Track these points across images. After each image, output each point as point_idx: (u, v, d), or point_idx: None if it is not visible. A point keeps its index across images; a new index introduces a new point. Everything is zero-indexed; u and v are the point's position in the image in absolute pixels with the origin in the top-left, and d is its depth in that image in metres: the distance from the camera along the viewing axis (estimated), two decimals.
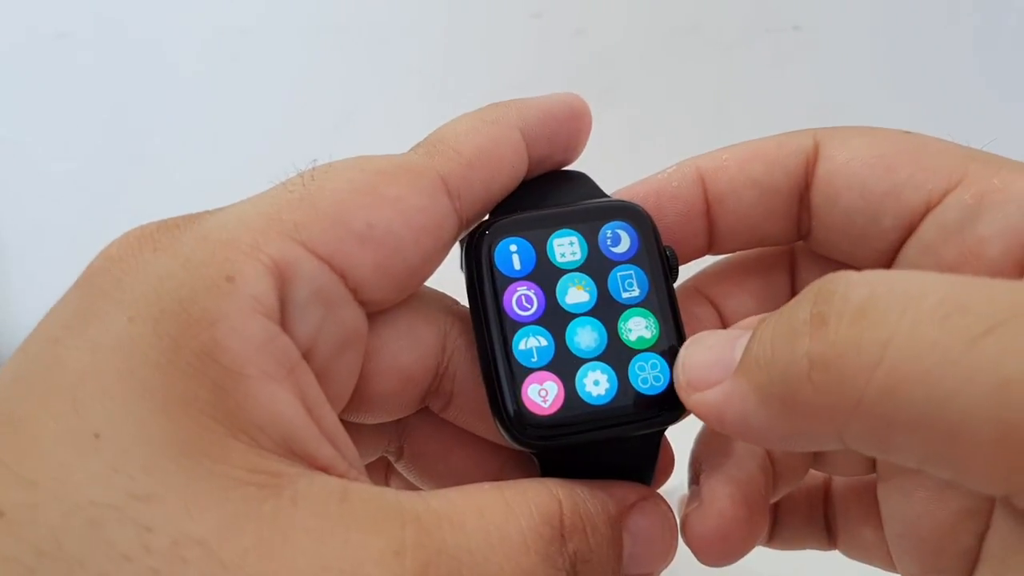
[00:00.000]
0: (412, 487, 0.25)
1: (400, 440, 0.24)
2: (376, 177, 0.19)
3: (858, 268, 0.22)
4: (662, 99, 0.61)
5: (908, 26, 0.59)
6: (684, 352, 0.19)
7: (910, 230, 0.21)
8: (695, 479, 0.22)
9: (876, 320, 0.14)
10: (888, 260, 0.22)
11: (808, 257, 0.24)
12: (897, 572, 0.23)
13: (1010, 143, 0.63)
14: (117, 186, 0.65)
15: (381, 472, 0.26)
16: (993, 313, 0.14)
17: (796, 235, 0.23)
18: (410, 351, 0.21)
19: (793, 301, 0.17)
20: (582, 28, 0.60)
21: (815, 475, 0.26)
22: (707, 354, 0.18)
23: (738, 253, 0.25)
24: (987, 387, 0.13)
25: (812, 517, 0.26)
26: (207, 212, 0.19)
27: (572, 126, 0.23)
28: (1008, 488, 0.14)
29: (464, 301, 0.22)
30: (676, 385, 0.19)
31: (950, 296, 0.14)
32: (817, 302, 0.16)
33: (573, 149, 0.23)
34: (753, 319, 0.18)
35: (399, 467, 0.24)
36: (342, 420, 0.19)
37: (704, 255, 0.24)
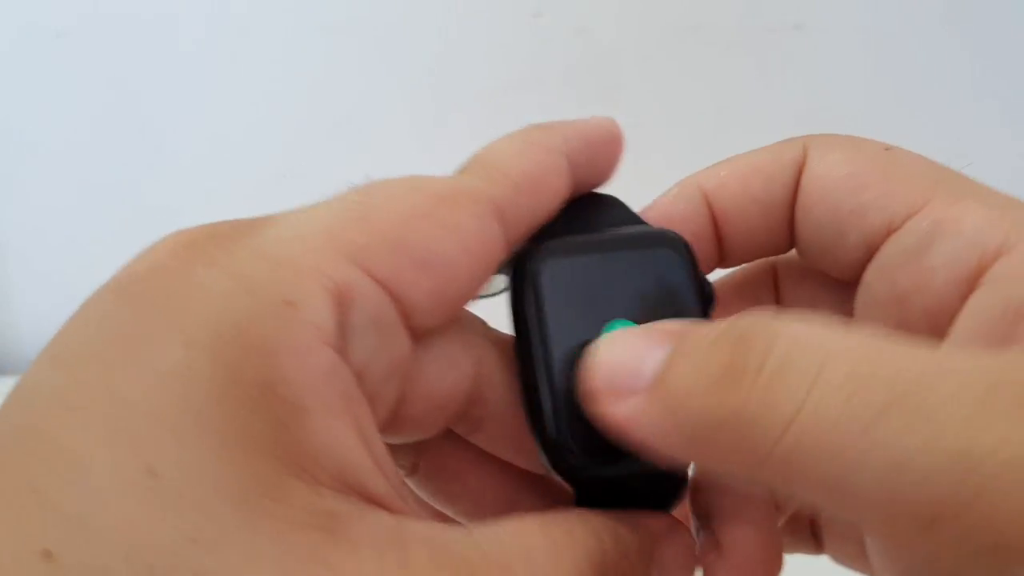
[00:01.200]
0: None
1: (416, 456, 0.24)
2: (435, 201, 0.19)
3: (833, 281, 0.23)
4: (663, 99, 0.61)
5: (909, 26, 0.59)
6: (597, 351, 0.19)
7: (873, 250, 0.21)
8: (704, 524, 0.22)
9: (788, 387, 0.15)
10: (855, 275, 0.22)
11: (790, 273, 0.25)
12: None
13: (1011, 143, 0.63)
14: (117, 185, 0.65)
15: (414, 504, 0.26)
16: (893, 387, 0.14)
17: (791, 246, 0.23)
18: (445, 377, 0.21)
19: (714, 336, 0.17)
20: (583, 28, 0.60)
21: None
22: (620, 357, 0.18)
23: (722, 276, 0.25)
24: (880, 467, 0.14)
25: (797, 525, 0.26)
26: (260, 222, 0.18)
27: (610, 150, 0.23)
28: (907, 552, 0.15)
29: (497, 325, 0.22)
30: (581, 384, 0.19)
31: (857, 370, 0.15)
32: (736, 352, 0.16)
33: (608, 173, 0.23)
34: (669, 324, 0.19)
35: (411, 482, 0.24)
36: None
37: (714, 271, 0.24)
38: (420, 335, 0.20)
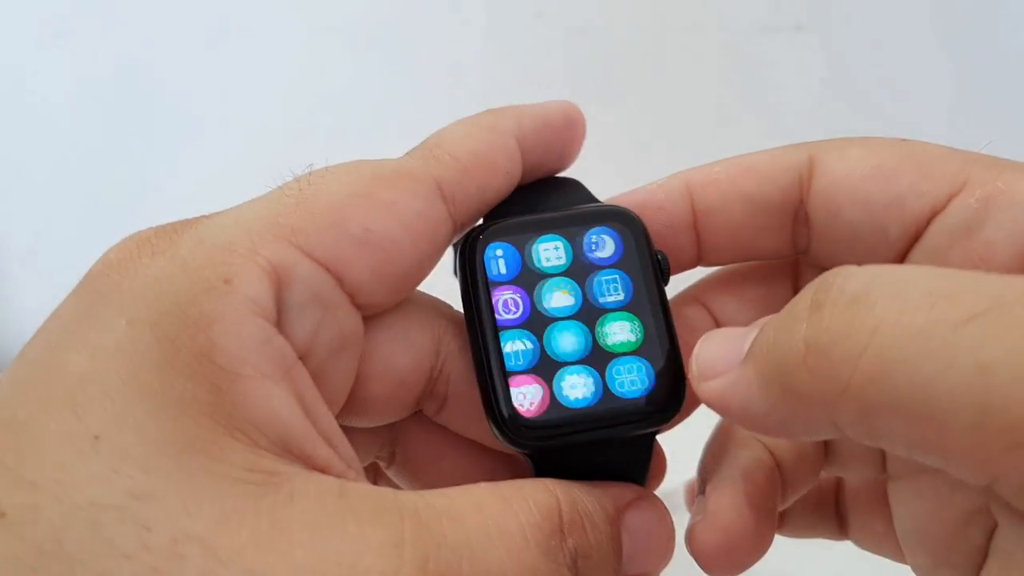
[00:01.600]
0: None
1: (392, 445, 0.24)
2: (373, 182, 0.20)
3: None
4: (663, 99, 0.61)
5: (910, 25, 0.59)
6: (699, 345, 0.19)
7: (916, 237, 0.21)
8: (702, 489, 0.22)
9: (866, 307, 0.15)
10: None
11: (812, 269, 0.24)
12: (907, 564, 0.23)
13: (1012, 142, 0.63)
14: (117, 185, 0.65)
15: (370, 479, 0.26)
16: (977, 302, 0.14)
17: (791, 250, 0.23)
18: (404, 355, 0.21)
19: (800, 293, 0.17)
20: (583, 28, 0.60)
21: (824, 480, 0.26)
22: (719, 346, 0.19)
23: (739, 265, 0.25)
24: (966, 372, 0.14)
25: (823, 507, 0.26)
26: (204, 217, 0.19)
27: (567, 134, 0.23)
28: (988, 474, 0.15)
29: (458, 306, 0.22)
30: (690, 376, 0.19)
31: (938, 285, 0.15)
32: (817, 291, 0.16)
33: (567, 157, 0.23)
34: (770, 317, 0.19)
35: (390, 473, 0.25)
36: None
37: (693, 267, 0.24)
38: (370, 313, 0.20)
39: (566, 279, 0.21)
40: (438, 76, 0.62)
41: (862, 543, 0.25)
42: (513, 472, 0.23)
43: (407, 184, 0.20)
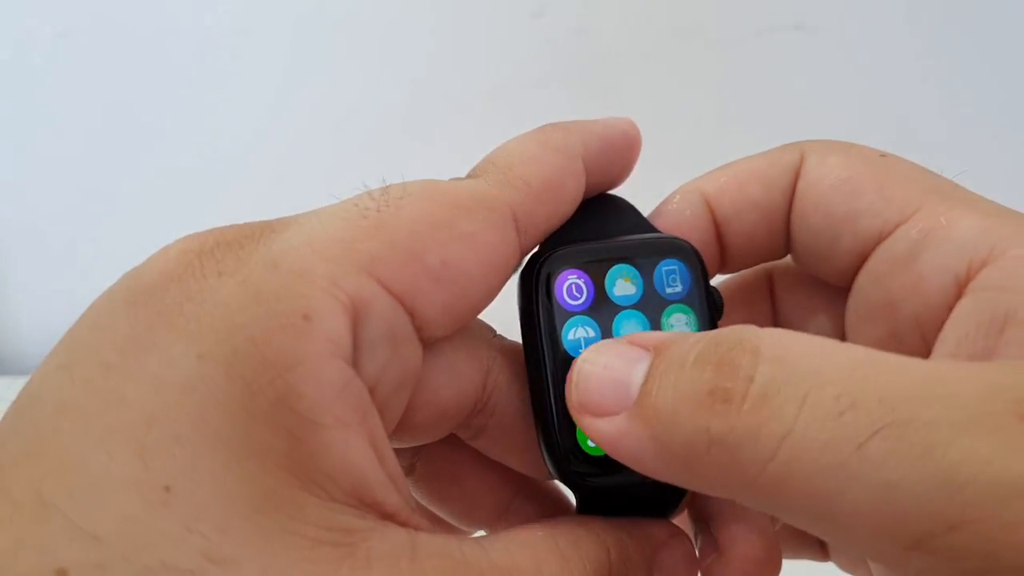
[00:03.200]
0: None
1: (414, 458, 0.23)
2: (453, 212, 0.19)
3: (828, 288, 0.23)
4: (662, 99, 0.61)
5: (910, 25, 0.59)
6: (580, 365, 0.19)
7: (864, 257, 0.21)
8: (702, 527, 0.22)
9: (776, 410, 0.15)
10: (848, 281, 0.22)
11: (785, 279, 0.25)
12: None
13: (1011, 144, 0.63)
14: (118, 186, 0.65)
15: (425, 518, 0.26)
16: (882, 412, 0.14)
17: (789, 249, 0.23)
18: (451, 386, 0.21)
19: (696, 353, 0.17)
20: (583, 28, 0.60)
21: None
22: (603, 374, 0.18)
23: (720, 282, 0.25)
24: (870, 487, 0.14)
25: (803, 532, 0.26)
26: (271, 227, 0.18)
27: (627, 154, 0.23)
28: (894, 567, 0.15)
29: (505, 332, 0.22)
30: (567, 398, 0.19)
31: (847, 390, 0.15)
32: (720, 372, 0.16)
33: (624, 175, 0.23)
34: (648, 335, 0.19)
35: (407, 482, 0.24)
36: None
37: (715, 276, 0.24)
38: (429, 344, 0.20)
39: (637, 312, 0.21)
40: (438, 76, 0.62)
41: (842, 566, 0.26)
42: (536, 493, 0.24)
43: (486, 215, 0.19)
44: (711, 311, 0.21)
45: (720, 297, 0.22)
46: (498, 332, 0.22)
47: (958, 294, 0.19)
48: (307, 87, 0.63)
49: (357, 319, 0.17)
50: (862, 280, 0.21)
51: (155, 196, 0.64)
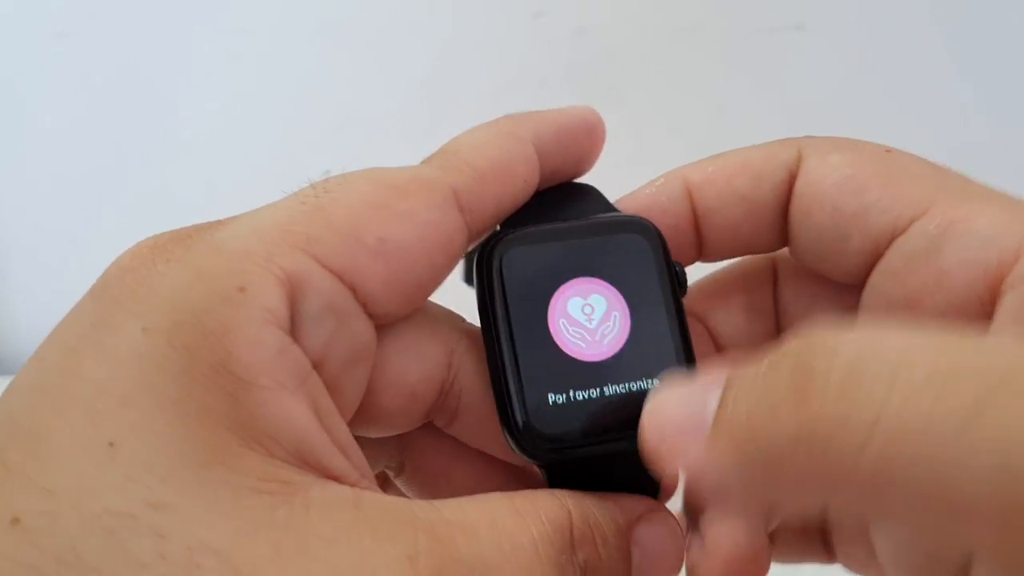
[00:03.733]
0: None
1: (401, 455, 0.24)
2: (389, 191, 0.20)
3: (832, 281, 0.22)
4: (662, 99, 0.61)
5: (911, 25, 0.59)
6: (654, 407, 0.18)
7: (877, 254, 0.21)
8: (693, 522, 0.22)
9: (863, 394, 0.14)
10: (860, 278, 0.22)
11: (789, 269, 0.25)
12: None
13: (1012, 143, 0.63)
14: (118, 185, 0.65)
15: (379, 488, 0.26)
16: (985, 383, 0.13)
17: (782, 243, 0.23)
18: (416, 367, 0.21)
19: (767, 363, 0.16)
20: (583, 27, 0.60)
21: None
22: (680, 411, 0.17)
23: (721, 269, 0.25)
24: (987, 467, 0.13)
25: (808, 533, 0.26)
26: (219, 222, 0.19)
27: (586, 141, 0.23)
28: (1002, 559, 0.14)
29: (471, 318, 0.22)
30: (644, 445, 0.18)
31: (939, 367, 0.14)
32: (796, 371, 0.15)
33: (586, 163, 0.23)
34: (717, 367, 0.17)
35: (399, 483, 0.25)
36: None
37: (693, 263, 0.24)
38: (384, 322, 0.20)
39: (593, 284, 0.21)
40: (438, 75, 0.62)
41: (849, 567, 0.25)
42: (524, 484, 0.24)
43: (423, 194, 0.20)
44: (673, 286, 0.21)
45: (683, 274, 0.22)
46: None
47: (989, 287, 0.19)
48: (306, 88, 0.63)
49: (295, 293, 0.18)
50: (877, 278, 0.21)
51: (155, 196, 0.64)
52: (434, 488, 0.24)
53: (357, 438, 0.22)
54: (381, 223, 0.19)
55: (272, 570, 0.15)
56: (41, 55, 0.63)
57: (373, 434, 0.22)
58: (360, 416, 0.21)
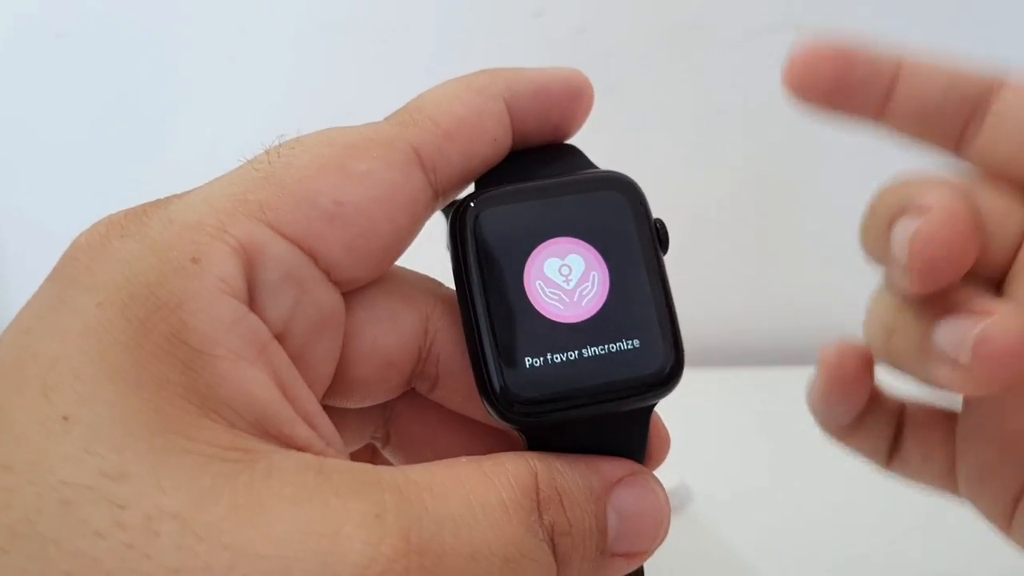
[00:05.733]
0: None
1: (387, 425, 0.24)
2: (344, 152, 0.19)
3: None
4: (663, 99, 0.61)
5: (910, 25, 0.59)
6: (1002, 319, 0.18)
7: None
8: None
9: None
10: None
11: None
12: (960, 495, 0.24)
13: None
14: (117, 185, 0.65)
15: (367, 460, 0.26)
16: None
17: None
18: (390, 335, 0.21)
19: None
20: (583, 27, 0.60)
21: (895, 395, 0.26)
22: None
23: None
24: None
25: (882, 432, 0.26)
26: (175, 196, 0.19)
27: (567, 104, 0.22)
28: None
29: (448, 283, 0.22)
30: (972, 348, 0.18)
31: None
32: None
33: (567, 127, 0.22)
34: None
35: (386, 453, 0.24)
36: (326, 406, 0.19)
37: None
38: (350, 288, 0.20)
39: (570, 242, 0.20)
40: (438, 75, 0.61)
41: (906, 469, 0.25)
42: (510, 449, 0.23)
43: (381, 153, 0.19)
44: (654, 244, 0.21)
45: (665, 231, 0.21)
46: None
47: None
48: (306, 88, 0.63)
49: (251, 262, 0.18)
50: None
51: (155, 196, 0.64)
52: (420, 457, 0.23)
53: (341, 411, 0.21)
54: (336, 185, 0.19)
55: (234, 532, 0.15)
56: (40, 56, 0.63)
57: (353, 404, 0.22)
58: (337, 387, 0.20)
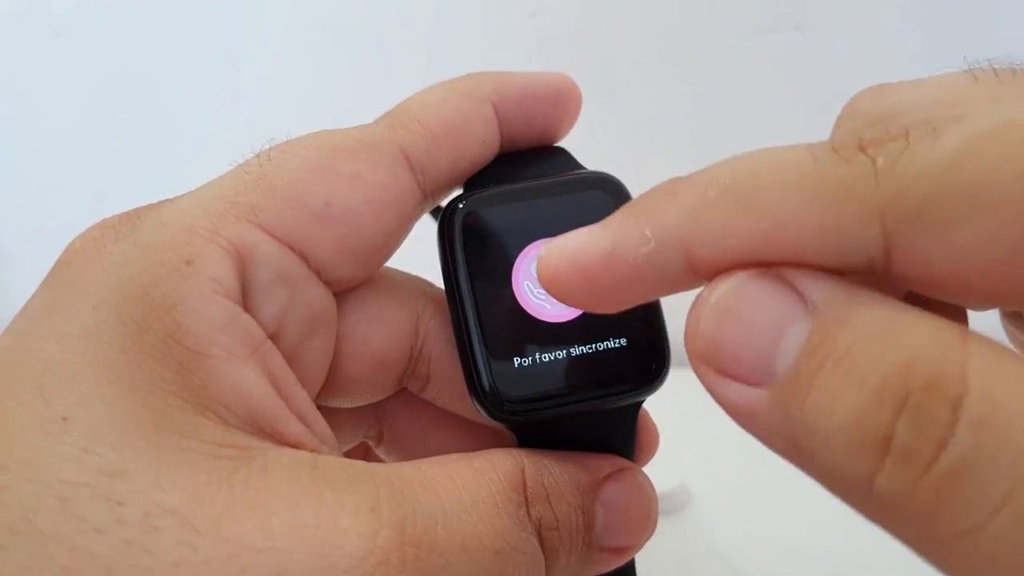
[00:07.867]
0: None
1: (379, 424, 0.24)
2: (333, 154, 0.19)
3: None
4: (662, 99, 0.61)
5: (910, 25, 0.59)
6: (708, 308, 0.14)
7: None
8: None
9: (966, 499, 0.12)
10: None
11: None
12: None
13: None
14: (116, 185, 0.65)
15: (360, 459, 0.26)
16: None
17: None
18: (382, 335, 0.21)
19: (879, 376, 0.12)
20: (581, 27, 0.60)
21: None
22: (739, 332, 0.14)
23: None
24: None
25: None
26: (168, 200, 0.19)
27: (554, 108, 0.22)
28: None
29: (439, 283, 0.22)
30: (691, 348, 0.15)
31: None
32: (905, 421, 0.12)
33: (554, 130, 0.22)
34: (811, 282, 0.14)
35: (379, 452, 0.25)
36: (319, 406, 0.19)
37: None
38: (341, 288, 0.20)
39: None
40: (437, 75, 0.61)
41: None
42: (500, 446, 0.24)
43: (369, 155, 0.20)
44: None
45: None
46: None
47: None
48: (304, 87, 0.63)
49: (244, 264, 0.18)
50: None
51: (154, 197, 0.64)
52: (412, 455, 0.24)
53: (335, 410, 0.22)
54: (326, 187, 0.19)
55: (232, 527, 0.15)
56: (39, 56, 0.63)
57: (347, 403, 0.22)
58: (329, 387, 0.21)
